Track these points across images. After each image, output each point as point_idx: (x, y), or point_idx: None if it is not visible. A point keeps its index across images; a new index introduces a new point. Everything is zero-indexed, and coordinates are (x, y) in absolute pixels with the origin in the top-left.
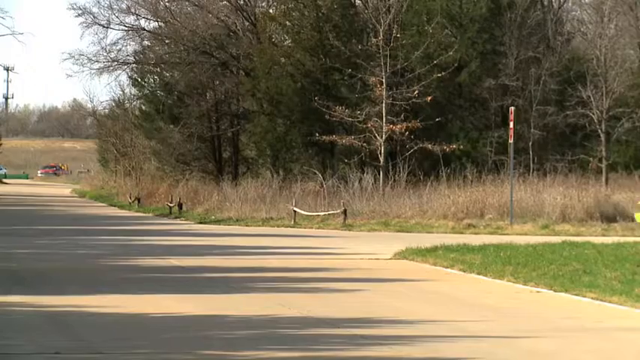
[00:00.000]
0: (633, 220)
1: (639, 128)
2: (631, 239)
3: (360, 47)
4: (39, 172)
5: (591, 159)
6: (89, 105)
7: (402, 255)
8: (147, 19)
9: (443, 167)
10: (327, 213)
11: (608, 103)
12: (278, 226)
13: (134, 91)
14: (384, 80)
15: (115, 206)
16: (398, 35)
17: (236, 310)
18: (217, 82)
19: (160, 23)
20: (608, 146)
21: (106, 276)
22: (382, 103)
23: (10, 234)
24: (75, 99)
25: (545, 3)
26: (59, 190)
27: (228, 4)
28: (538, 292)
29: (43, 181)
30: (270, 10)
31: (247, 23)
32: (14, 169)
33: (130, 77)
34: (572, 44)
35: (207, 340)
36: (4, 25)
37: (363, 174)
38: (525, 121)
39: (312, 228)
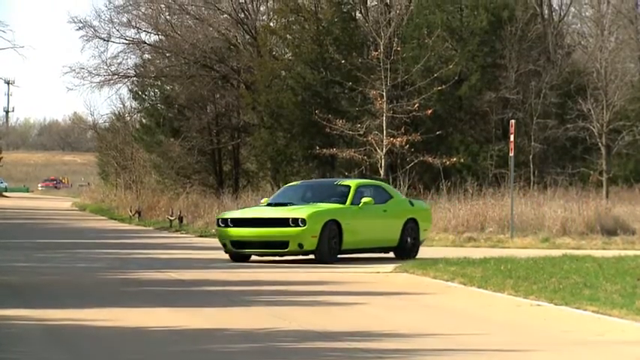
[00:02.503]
0: None
1: None
2: (632, 252)
3: (360, 60)
4: (39, 185)
5: (592, 172)
6: (89, 118)
7: (402, 268)
8: (147, 32)
9: (443, 180)
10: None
11: (609, 117)
12: None
13: (134, 104)
14: (384, 93)
15: (115, 219)
16: (398, 48)
17: (235, 323)
18: (218, 96)
19: (160, 36)
20: (609, 159)
21: (106, 289)
22: (382, 116)
23: (9, 247)
24: (75, 112)
25: (546, 16)
26: (59, 203)
27: (228, 17)
28: (539, 305)
29: (44, 195)
30: (271, 24)
31: (248, 37)
32: (15, 182)
33: (130, 90)
34: (572, 57)
35: (206, 353)
36: (4, 38)
37: None
38: (526, 134)
39: None
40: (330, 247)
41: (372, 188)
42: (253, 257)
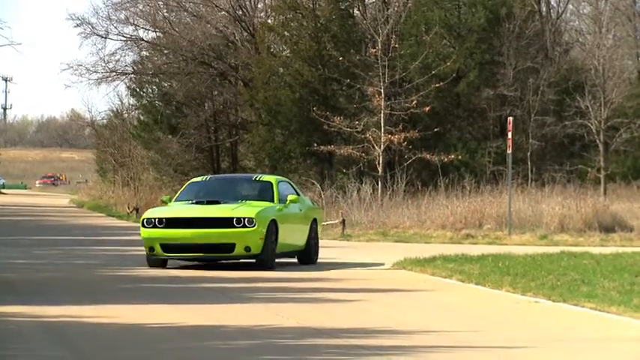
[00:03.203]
0: None
1: (637, 138)
2: (629, 249)
3: (358, 57)
4: (37, 182)
5: (589, 169)
6: (87, 115)
7: (400, 265)
8: (145, 29)
9: (441, 177)
10: (325, 223)
11: (607, 114)
12: None
13: (132, 101)
14: (382, 90)
15: (113, 216)
16: (396, 45)
17: (234, 320)
18: (216, 93)
19: (158, 34)
20: (607, 156)
21: (104, 286)
22: (380, 113)
23: (6, 244)
24: (73, 109)
25: (544, 13)
26: (57, 200)
27: (226, 14)
28: (536, 302)
29: (41, 192)
30: (269, 21)
31: (246, 34)
32: (12, 179)
33: (128, 87)
34: (570, 54)
35: (204, 350)
36: (2, 35)
37: (362, 184)
38: (524, 132)
39: None
40: (273, 250)
41: (287, 184)
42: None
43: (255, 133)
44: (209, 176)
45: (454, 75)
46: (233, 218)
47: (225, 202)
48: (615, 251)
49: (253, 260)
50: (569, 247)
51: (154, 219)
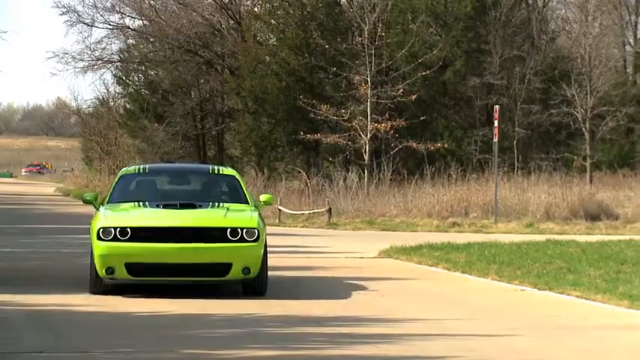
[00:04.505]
0: None
1: (623, 127)
2: (615, 237)
3: (344, 46)
4: (23, 170)
5: (575, 157)
6: (73, 103)
7: (386, 253)
8: (131, 17)
9: (427, 166)
10: (311, 211)
11: (593, 102)
12: None
13: (118, 89)
14: (368, 79)
15: None
16: (383, 34)
17: (221, 309)
18: (202, 81)
19: (144, 22)
20: (593, 145)
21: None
22: (367, 101)
23: None
24: (59, 97)
25: (530, 2)
26: (43, 188)
27: (213, 2)
28: (522, 290)
29: (27, 180)
30: (255, 9)
31: (232, 22)
32: None
33: (114, 76)
34: (556, 43)
35: (190, 339)
36: None
37: (348, 172)
38: (510, 120)
39: (296, 226)
40: (267, 272)
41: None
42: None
43: (241, 121)
44: (145, 166)
45: (440, 63)
46: (227, 229)
47: (200, 206)
48: (601, 239)
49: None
50: (555, 236)
51: (114, 229)
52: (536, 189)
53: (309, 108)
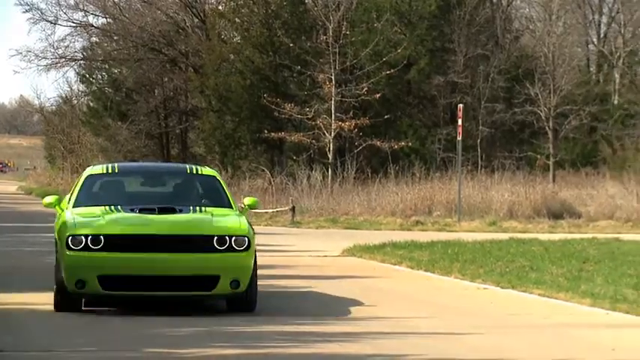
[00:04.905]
0: None
1: (586, 125)
2: (577, 236)
3: (309, 44)
4: None
5: (539, 156)
6: (36, 101)
7: (350, 252)
8: (95, 15)
9: (391, 164)
10: (275, 210)
11: (556, 101)
12: None
13: (82, 87)
14: (333, 77)
15: None
16: (347, 32)
17: (184, 308)
18: (166, 79)
19: (108, 19)
20: (556, 143)
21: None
22: (331, 100)
23: None
24: (22, 95)
25: (494, 1)
26: (5, 187)
27: (177, 0)
28: (485, 288)
29: None
30: (220, 7)
31: (196, 20)
32: None
33: (77, 74)
34: (520, 42)
35: (153, 337)
36: None
37: (312, 171)
38: (474, 119)
39: (260, 225)
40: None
41: None
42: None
43: (205, 119)
44: (114, 165)
45: (405, 62)
46: (213, 237)
47: (181, 210)
48: (564, 238)
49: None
50: (518, 234)
51: (85, 237)
52: (500, 187)
53: (273, 106)
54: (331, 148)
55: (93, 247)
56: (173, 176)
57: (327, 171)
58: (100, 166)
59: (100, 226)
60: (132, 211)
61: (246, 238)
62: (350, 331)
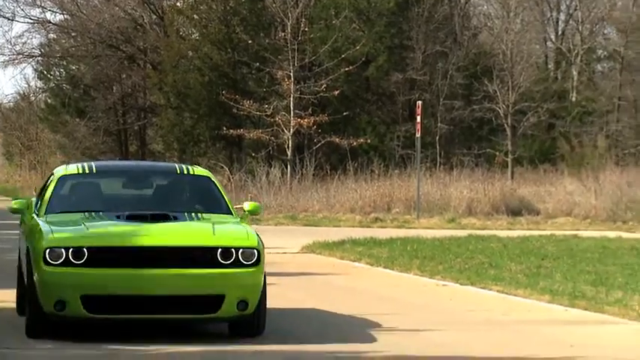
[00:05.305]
0: None
1: (544, 122)
2: (536, 233)
3: (268, 41)
4: None
5: (497, 153)
6: None
7: (309, 249)
8: (53, 11)
9: (350, 161)
10: (234, 207)
11: (514, 98)
12: None
13: (39, 84)
14: (291, 74)
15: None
16: (306, 29)
17: None
18: (124, 76)
19: (66, 16)
20: (514, 140)
21: (12, 270)
22: (290, 97)
23: None
24: None
25: None
26: None
27: None
28: (444, 285)
29: None
30: (178, 4)
31: (154, 17)
32: None
33: (35, 70)
34: (478, 39)
35: (113, 336)
36: None
37: (271, 168)
38: (432, 116)
39: None
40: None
41: None
42: None
43: (163, 116)
44: (91, 164)
45: (363, 59)
46: (217, 249)
47: (176, 217)
48: (522, 235)
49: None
50: (476, 231)
51: (66, 249)
52: (459, 184)
53: (231, 103)
54: (290, 145)
55: (75, 261)
56: (160, 177)
57: (286, 168)
58: (75, 165)
59: (82, 236)
60: (118, 218)
61: (256, 251)
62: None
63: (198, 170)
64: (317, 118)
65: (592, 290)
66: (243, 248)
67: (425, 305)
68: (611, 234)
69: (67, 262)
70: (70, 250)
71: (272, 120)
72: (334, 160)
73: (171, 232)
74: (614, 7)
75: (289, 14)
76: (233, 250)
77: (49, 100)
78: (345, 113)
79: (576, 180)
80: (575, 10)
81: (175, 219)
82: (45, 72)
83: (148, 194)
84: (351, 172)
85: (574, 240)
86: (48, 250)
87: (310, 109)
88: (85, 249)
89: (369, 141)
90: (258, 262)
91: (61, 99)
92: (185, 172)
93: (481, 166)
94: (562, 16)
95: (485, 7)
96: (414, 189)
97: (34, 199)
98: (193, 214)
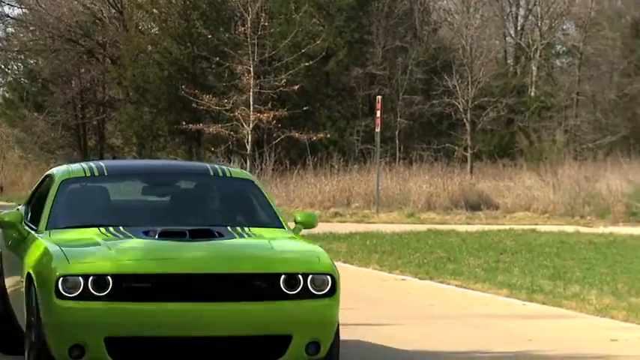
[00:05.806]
0: None
1: (504, 117)
2: (495, 227)
3: (227, 36)
4: None
5: (457, 148)
6: None
7: None
8: (11, 5)
9: (310, 156)
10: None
11: (474, 93)
12: None
13: None
14: (251, 69)
15: None
16: (266, 24)
17: None
18: (83, 70)
19: (24, 10)
20: (473, 135)
21: None
22: (250, 91)
23: None
24: None
25: None
26: None
27: None
28: (403, 279)
29: None
30: None
31: (114, 11)
32: None
33: None
34: (438, 34)
35: None
36: None
37: (230, 162)
38: (392, 110)
39: None
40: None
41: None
42: None
43: (122, 111)
44: (100, 165)
45: (323, 54)
46: (280, 275)
47: (220, 234)
48: (481, 229)
49: None
50: (435, 225)
51: (85, 278)
52: (418, 179)
53: (191, 98)
54: (249, 140)
55: (97, 293)
56: (190, 180)
57: (246, 162)
58: (79, 166)
59: (105, 260)
60: (147, 235)
61: (329, 277)
62: None
63: (237, 172)
64: (277, 113)
65: (550, 284)
66: (313, 274)
67: (384, 300)
68: (569, 228)
69: (86, 295)
70: (90, 278)
71: (231, 115)
72: (294, 155)
73: (219, 253)
74: (573, 2)
75: (249, 9)
76: (300, 276)
77: (6, 95)
78: (304, 108)
79: (535, 175)
80: (535, 5)
81: (221, 235)
82: (2, 66)
83: (176, 203)
84: (311, 167)
85: (532, 234)
86: (62, 279)
87: (270, 104)
88: (109, 277)
89: (328, 136)
90: (333, 291)
91: (19, 93)
92: (221, 174)
93: (440, 161)
94: (521, 12)
95: (445, 2)
96: (374, 184)
97: (22, 207)
98: (239, 228)
